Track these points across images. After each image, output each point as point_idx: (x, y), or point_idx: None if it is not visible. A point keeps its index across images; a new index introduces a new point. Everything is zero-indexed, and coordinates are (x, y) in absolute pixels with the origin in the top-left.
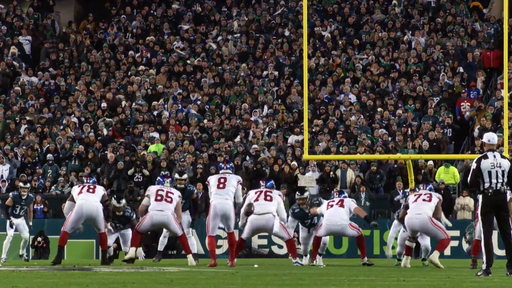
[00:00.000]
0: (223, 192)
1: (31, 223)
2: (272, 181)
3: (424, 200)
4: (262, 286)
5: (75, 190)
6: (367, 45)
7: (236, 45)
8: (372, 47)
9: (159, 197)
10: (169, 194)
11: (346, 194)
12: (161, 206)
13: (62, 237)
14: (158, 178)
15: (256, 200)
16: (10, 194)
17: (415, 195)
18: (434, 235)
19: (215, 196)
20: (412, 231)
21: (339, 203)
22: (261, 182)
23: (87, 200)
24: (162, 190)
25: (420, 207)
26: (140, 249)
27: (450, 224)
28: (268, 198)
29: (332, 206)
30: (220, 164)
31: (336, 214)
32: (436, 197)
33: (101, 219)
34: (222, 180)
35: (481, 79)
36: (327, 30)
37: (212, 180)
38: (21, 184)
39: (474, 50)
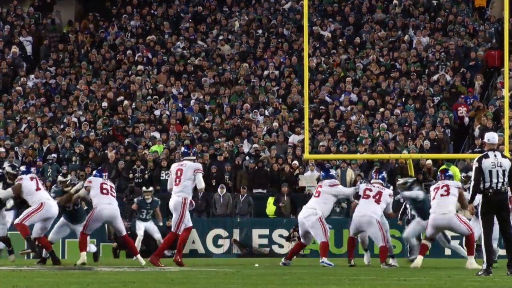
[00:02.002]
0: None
1: (161, 224)
2: (187, 150)
3: (442, 195)
4: (262, 286)
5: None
6: (368, 44)
7: (234, 45)
8: (372, 46)
9: (104, 191)
10: (112, 189)
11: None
12: (109, 200)
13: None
14: (95, 172)
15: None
16: (135, 199)
17: (434, 188)
18: (459, 231)
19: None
20: (437, 229)
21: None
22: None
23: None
24: (106, 184)
25: (444, 204)
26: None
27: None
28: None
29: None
30: (183, 148)
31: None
32: (455, 187)
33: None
34: (178, 174)
35: (478, 84)
36: (327, 29)
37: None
38: (144, 188)
39: (477, 49)
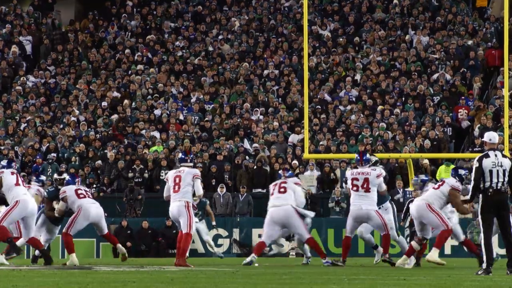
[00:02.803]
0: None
1: (214, 223)
2: (184, 156)
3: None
4: (262, 285)
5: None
6: (367, 44)
7: (233, 45)
8: (372, 46)
9: (81, 195)
10: (88, 192)
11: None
12: (91, 200)
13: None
14: (68, 178)
15: (272, 194)
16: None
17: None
18: (431, 223)
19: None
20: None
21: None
22: (280, 172)
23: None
24: (80, 189)
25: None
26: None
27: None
28: (282, 190)
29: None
30: (181, 155)
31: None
32: (449, 186)
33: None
34: (177, 180)
35: (477, 86)
36: (327, 29)
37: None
38: None
39: (477, 49)
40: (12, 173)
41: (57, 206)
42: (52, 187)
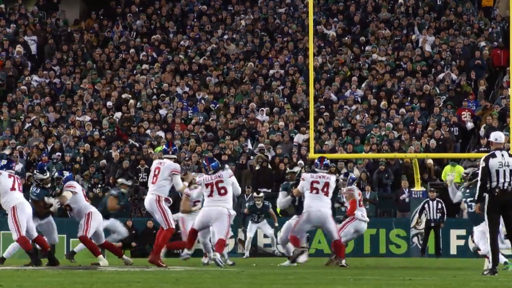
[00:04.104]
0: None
1: (276, 224)
2: (216, 162)
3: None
4: (267, 285)
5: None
6: (373, 43)
7: (238, 45)
8: (377, 45)
9: (86, 198)
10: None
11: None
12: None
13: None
14: (69, 174)
15: (210, 196)
16: (246, 204)
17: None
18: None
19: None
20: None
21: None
22: (204, 162)
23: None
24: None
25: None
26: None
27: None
28: (223, 191)
29: None
30: (164, 147)
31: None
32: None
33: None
34: (156, 172)
35: (482, 88)
36: (332, 28)
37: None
38: (255, 194)
39: (483, 48)
40: (10, 176)
41: (56, 199)
42: (36, 189)
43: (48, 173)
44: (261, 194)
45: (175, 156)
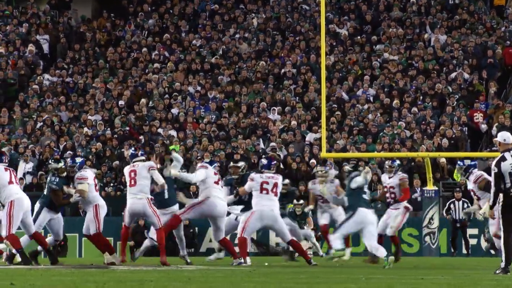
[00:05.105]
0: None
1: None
2: (134, 151)
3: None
4: (279, 285)
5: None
6: (385, 42)
7: (250, 44)
8: (389, 44)
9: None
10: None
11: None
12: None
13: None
14: (81, 161)
15: (131, 185)
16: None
17: None
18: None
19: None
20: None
21: None
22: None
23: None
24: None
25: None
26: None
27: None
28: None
29: None
30: (131, 151)
31: None
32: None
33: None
34: (132, 175)
35: (493, 90)
36: (344, 27)
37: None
38: (295, 201)
39: (495, 47)
40: (6, 169)
41: (75, 189)
42: (55, 178)
43: (62, 162)
44: (301, 202)
45: (143, 158)
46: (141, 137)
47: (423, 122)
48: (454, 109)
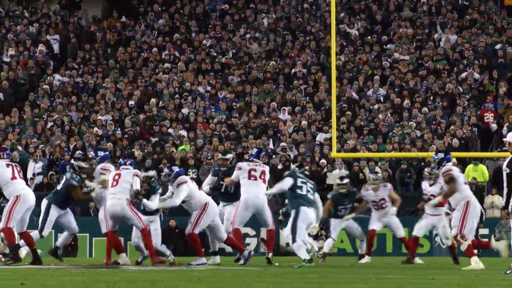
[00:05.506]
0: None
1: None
2: (124, 160)
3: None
4: (290, 284)
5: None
6: (395, 42)
7: (261, 43)
8: (400, 44)
9: (114, 182)
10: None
11: None
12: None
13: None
14: (103, 154)
15: (112, 186)
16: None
17: None
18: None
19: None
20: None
21: None
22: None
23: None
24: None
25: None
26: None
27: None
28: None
29: None
30: (120, 160)
31: None
32: None
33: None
34: (116, 177)
35: (503, 90)
36: (355, 27)
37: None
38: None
39: (506, 47)
40: (8, 165)
41: (98, 184)
42: (76, 176)
43: (88, 164)
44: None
45: (130, 167)
46: (152, 138)
47: (434, 122)
48: (464, 109)
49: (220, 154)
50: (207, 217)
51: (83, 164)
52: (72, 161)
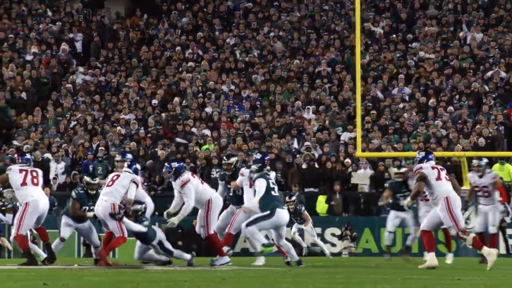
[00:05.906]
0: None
1: (310, 225)
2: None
3: None
4: (314, 285)
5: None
6: (421, 41)
7: (285, 42)
8: (425, 43)
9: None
10: None
11: None
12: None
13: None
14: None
15: (107, 185)
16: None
17: None
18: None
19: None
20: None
21: None
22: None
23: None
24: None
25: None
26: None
27: None
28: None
29: None
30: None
31: None
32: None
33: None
34: (114, 178)
35: None
36: (379, 26)
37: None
38: (287, 198)
39: None
40: (21, 171)
41: (90, 213)
42: (83, 192)
43: (97, 180)
44: (293, 198)
45: (131, 171)
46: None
47: (459, 121)
48: (490, 107)
49: (224, 158)
50: (213, 214)
51: (90, 180)
52: (85, 177)
